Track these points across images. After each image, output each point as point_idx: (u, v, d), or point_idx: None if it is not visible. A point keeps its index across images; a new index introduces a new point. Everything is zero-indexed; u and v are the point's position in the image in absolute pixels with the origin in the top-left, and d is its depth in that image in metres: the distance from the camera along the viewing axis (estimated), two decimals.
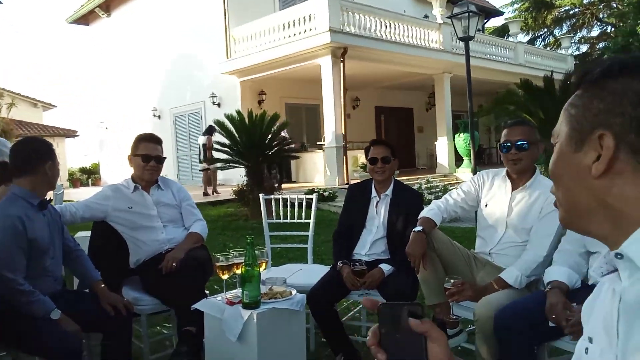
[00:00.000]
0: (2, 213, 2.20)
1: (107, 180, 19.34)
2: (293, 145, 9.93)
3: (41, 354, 2.26)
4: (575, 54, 25.41)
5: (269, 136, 8.42)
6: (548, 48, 26.20)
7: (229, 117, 8.34)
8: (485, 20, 22.12)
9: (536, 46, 25.04)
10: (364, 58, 12.06)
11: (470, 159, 12.62)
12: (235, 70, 13.44)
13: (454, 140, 14.01)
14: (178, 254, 2.75)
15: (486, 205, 2.63)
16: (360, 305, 3.37)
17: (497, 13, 23.90)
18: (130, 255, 2.95)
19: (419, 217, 2.62)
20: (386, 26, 12.38)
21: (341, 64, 11.50)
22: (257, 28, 12.93)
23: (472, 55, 7.97)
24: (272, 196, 3.76)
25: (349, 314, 3.45)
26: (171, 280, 2.67)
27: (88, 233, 3.16)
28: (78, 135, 25.29)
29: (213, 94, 14.33)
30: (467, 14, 7.60)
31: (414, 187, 6.43)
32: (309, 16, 11.60)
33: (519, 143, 2.44)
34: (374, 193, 3.03)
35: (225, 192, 11.32)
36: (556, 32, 29.32)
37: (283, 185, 11.07)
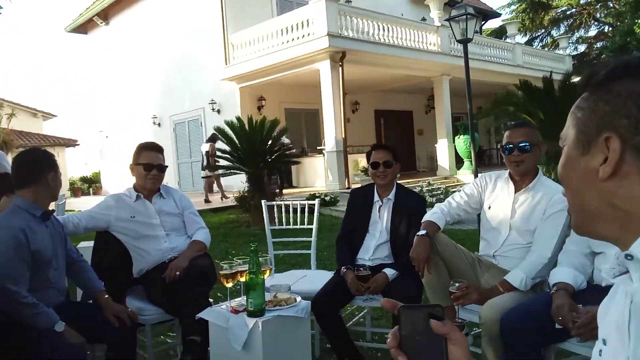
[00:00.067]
0: (5, 225, 2.20)
1: (108, 189, 19.36)
2: (294, 151, 9.93)
3: None
4: (573, 54, 25.47)
5: (270, 142, 8.42)
6: (546, 49, 26.24)
7: (229, 124, 8.35)
8: (483, 22, 22.17)
9: (534, 47, 25.08)
10: (363, 62, 12.08)
11: (470, 161, 12.64)
12: (234, 76, 13.46)
13: (454, 142, 14.01)
14: (181, 262, 2.74)
15: (489, 208, 2.63)
16: (365, 311, 3.36)
17: (495, 15, 23.95)
18: (134, 265, 2.94)
19: (422, 221, 2.62)
20: (384, 30, 12.40)
21: (340, 68, 11.51)
22: (255, 34, 12.96)
23: (471, 57, 7.98)
24: (274, 202, 3.75)
25: (354, 320, 3.44)
26: (175, 289, 2.66)
27: (91, 243, 3.15)
28: (78, 145, 25.29)
29: (212, 100, 14.35)
30: (465, 17, 7.61)
31: (415, 190, 6.43)
32: (307, 21, 11.63)
33: (521, 145, 2.43)
34: (376, 197, 3.03)
35: (227, 199, 11.33)
36: (554, 32, 29.36)
37: (284, 191, 11.08)
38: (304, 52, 11.56)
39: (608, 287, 2.14)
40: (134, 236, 2.91)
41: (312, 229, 3.57)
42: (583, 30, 29.74)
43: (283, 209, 3.66)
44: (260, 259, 2.27)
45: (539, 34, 29.81)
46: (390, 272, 2.76)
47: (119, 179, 17.16)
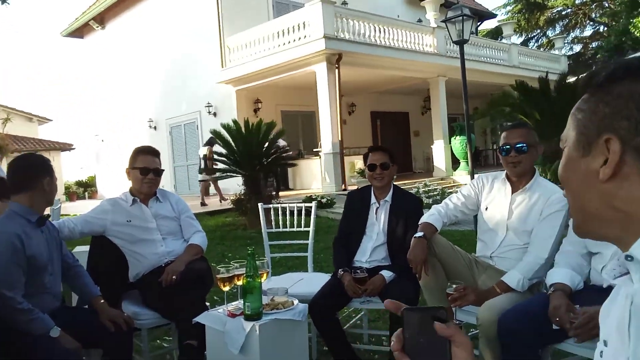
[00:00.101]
0: (0, 230, 2.18)
1: (104, 193, 19.32)
2: (290, 153, 9.92)
3: None
4: (568, 54, 25.56)
5: (266, 144, 8.41)
6: (541, 49, 26.31)
7: (226, 127, 8.34)
8: (479, 23, 22.20)
9: (530, 47, 25.15)
10: (359, 64, 12.10)
11: (467, 162, 12.66)
12: (231, 79, 13.46)
13: (450, 143, 14.03)
14: (178, 266, 2.73)
15: (486, 209, 2.63)
16: (362, 313, 3.35)
17: (490, 15, 24.00)
18: (130, 269, 2.92)
19: (419, 223, 2.62)
20: (380, 31, 12.42)
21: (336, 70, 11.53)
22: (251, 37, 12.96)
23: (467, 58, 8.00)
24: (271, 205, 3.74)
25: (351, 322, 3.43)
26: (171, 293, 2.65)
27: (86, 248, 3.14)
28: (74, 149, 25.23)
29: (209, 103, 14.34)
30: (461, 18, 7.62)
31: (411, 191, 6.43)
32: (303, 23, 11.64)
33: (518, 145, 2.44)
34: (373, 199, 3.03)
35: (225, 202, 11.30)
36: (549, 33, 29.49)
37: (280, 193, 11.07)
38: (300, 54, 11.57)
39: (605, 288, 2.15)
40: (130, 240, 2.90)
41: (308, 231, 3.56)
42: (578, 30, 29.88)
43: (280, 212, 3.66)
44: (257, 262, 2.26)
45: (534, 34, 29.93)
46: (387, 274, 2.75)
47: (115, 183, 17.13)
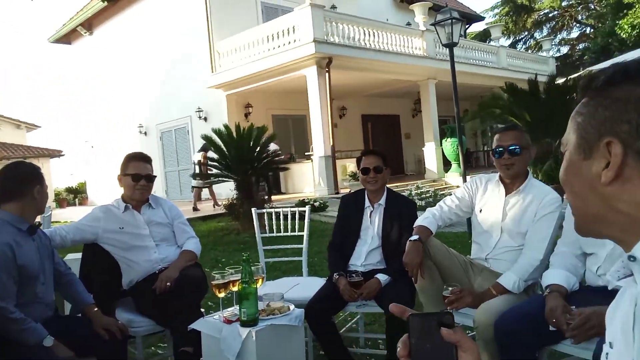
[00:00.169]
0: None
1: (94, 199, 19.18)
2: (282, 157, 9.91)
3: None
4: (556, 56, 25.82)
5: (258, 149, 8.40)
6: (529, 51, 26.57)
7: (217, 132, 8.32)
8: (467, 26, 22.38)
9: (518, 49, 25.37)
10: (349, 67, 12.13)
11: (458, 163, 12.72)
12: (221, 84, 13.43)
13: (441, 145, 14.08)
14: (172, 273, 2.71)
15: (480, 211, 2.63)
16: (358, 316, 3.34)
17: (478, 18, 24.18)
18: (123, 277, 2.90)
19: (414, 226, 2.62)
20: (370, 35, 12.47)
21: (326, 74, 11.54)
22: (241, 41, 12.95)
23: (456, 61, 8.04)
24: (264, 210, 3.73)
25: (347, 326, 3.42)
26: (166, 300, 2.63)
27: (78, 255, 3.10)
28: (63, 155, 25.02)
29: (199, 108, 14.30)
30: (450, 21, 7.66)
31: (404, 193, 6.44)
32: (293, 28, 11.65)
33: (511, 148, 2.45)
34: (367, 203, 3.02)
35: (218, 207, 11.24)
36: (537, 35, 29.79)
37: (273, 197, 11.04)
38: (290, 58, 11.58)
39: (600, 288, 2.15)
40: (123, 247, 2.88)
41: (301, 235, 3.55)
42: (565, 32, 30.23)
43: (273, 216, 3.64)
44: (252, 267, 2.25)
45: (522, 36, 30.22)
46: (382, 277, 2.75)
47: (105, 189, 17.02)
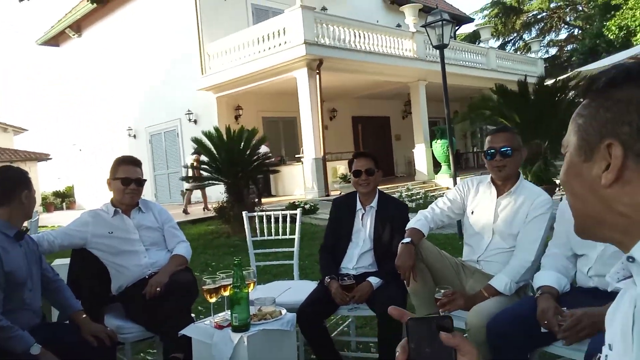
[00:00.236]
0: None
1: (82, 203, 19.03)
2: (272, 159, 9.89)
3: None
4: (545, 57, 26.02)
5: (248, 151, 8.37)
6: (518, 52, 26.76)
7: (207, 134, 8.27)
8: (457, 28, 22.48)
9: (507, 51, 25.54)
10: (340, 69, 12.13)
11: (448, 165, 12.75)
12: (211, 86, 13.38)
13: (431, 146, 14.12)
14: (162, 278, 2.68)
15: (472, 213, 2.63)
16: (349, 320, 3.33)
17: (468, 20, 24.31)
18: (112, 282, 2.86)
19: (406, 229, 2.61)
20: (360, 37, 12.48)
21: (317, 75, 11.53)
22: (231, 43, 12.91)
23: (446, 62, 8.06)
24: (255, 213, 3.70)
25: (338, 329, 3.41)
26: (156, 305, 2.59)
27: (66, 260, 3.06)
28: (50, 159, 24.80)
29: (189, 111, 14.23)
30: (440, 23, 7.69)
31: (394, 195, 6.44)
32: (283, 29, 11.64)
33: (503, 149, 2.45)
34: (359, 206, 3.01)
35: (209, 211, 11.19)
36: (525, 36, 30.03)
37: (263, 200, 11.00)
38: (280, 60, 11.56)
39: (591, 289, 2.16)
40: (112, 252, 2.84)
41: (292, 238, 3.53)
42: (554, 33, 30.50)
43: (265, 219, 3.62)
44: (243, 272, 2.23)
45: (511, 38, 30.44)
46: (374, 280, 2.74)
47: (94, 193, 16.89)
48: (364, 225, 2.98)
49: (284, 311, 2.37)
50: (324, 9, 14.51)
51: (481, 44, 18.35)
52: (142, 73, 15.70)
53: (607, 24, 21.23)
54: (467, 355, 0.72)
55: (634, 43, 18.94)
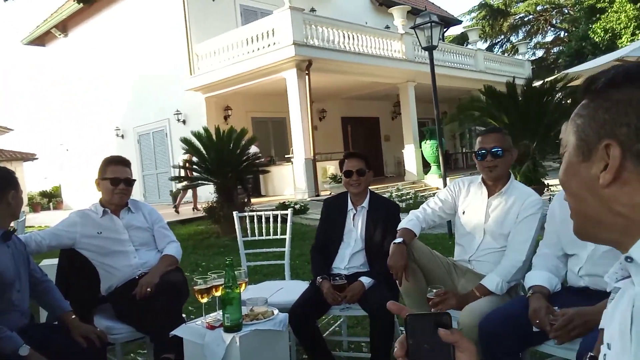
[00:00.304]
0: None
1: (70, 203, 18.85)
2: (262, 160, 9.86)
3: None
4: (532, 59, 26.27)
5: (238, 152, 8.34)
6: (506, 54, 26.97)
7: (196, 135, 8.23)
8: (445, 29, 22.60)
9: (494, 53, 25.73)
10: (329, 70, 12.13)
11: (437, 165, 12.81)
12: (200, 86, 13.32)
13: (420, 147, 14.18)
14: (152, 278, 2.66)
15: (463, 213, 2.64)
16: (341, 320, 3.33)
17: (456, 22, 24.46)
18: (102, 282, 2.83)
19: (397, 229, 2.61)
20: (349, 38, 12.50)
21: (306, 76, 11.53)
22: (220, 44, 12.86)
23: (435, 64, 8.11)
24: (245, 213, 3.69)
25: (330, 329, 3.40)
26: (146, 306, 2.57)
27: (55, 261, 3.03)
28: (37, 159, 24.52)
29: (178, 111, 14.15)
30: (429, 24, 7.72)
31: (384, 195, 6.45)
32: (272, 30, 11.62)
33: (493, 150, 2.46)
34: (350, 206, 3.01)
35: (198, 211, 11.12)
36: (512, 38, 30.29)
37: (253, 200, 10.96)
38: (269, 61, 11.53)
39: (581, 289, 2.17)
40: (101, 252, 2.81)
41: (283, 239, 3.52)
42: (540, 36, 30.80)
43: (255, 219, 3.60)
44: (235, 272, 2.22)
45: (498, 40, 30.67)
46: (366, 280, 2.74)
47: (81, 193, 16.73)
48: (356, 226, 2.98)
49: (276, 311, 2.36)
50: (312, 10, 14.51)
51: (469, 46, 18.46)
52: (129, 73, 15.58)
53: (593, 26, 21.46)
54: (465, 352, 0.72)
55: (619, 45, 19.16)
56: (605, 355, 0.73)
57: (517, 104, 7.85)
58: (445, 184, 7.11)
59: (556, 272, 2.22)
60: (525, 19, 30.17)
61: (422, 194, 11.53)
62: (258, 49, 11.90)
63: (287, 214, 3.54)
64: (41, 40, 19.34)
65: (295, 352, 3.02)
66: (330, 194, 10.10)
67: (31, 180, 25.10)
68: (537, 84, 8.35)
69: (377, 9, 18.95)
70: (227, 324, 2.16)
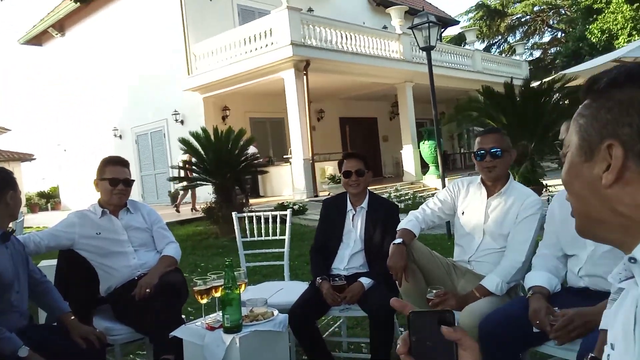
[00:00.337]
0: None
1: (67, 204, 18.80)
2: (260, 160, 9.85)
3: None
4: (529, 59, 26.30)
5: (236, 152, 8.33)
6: (503, 55, 27.01)
7: (194, 135, 8.22)
8: (442, 30, 22.63)
9: (492, 53, 25.77)
10: (327, 70, 12.13)
11: (436, 166, 12.82)
12: (198, 86, 13.30)
13: (419, 147, 14.19)
14: (151, 279, 2.65)
15: (463, 213, 2.64)
16: (341, 320, 3.32)
17: (453, 22, 24.50)
18: (101, 283, 2.82)
19: (397, 229, 2.61)
20: (347, 38, 12.50)
21: (304, 76, 11.53)
22: (217, 44, 12.85)
23: (433, 64, 8.11)
24: (244, 214, 3.68)
25: (329, 330, 3.40)
26: (145, 307, 2.56)
27: (53, 262, 3.02)
28: (34, 159, 24.44)
29: (176, 111, 14.13)
30: (427, 25, 7.72)
31: (383, 196, 6.45)
32: (270, 30, 11.61)
33: (492, 150, 2.47)
34: (349, 206, 3.01)
35: (197, 212, 11.10)
36: (510, 39, 30.34)
37: (251, 201, 10.96)
38: (267, 61, 11.53)
39: (581, 289, 2.17)
40: (100, 253, 2.81)
41: (282, 239, 3.52)
42: (537, 36, 30.85)
43: (254, 220, 3.60)
44: (234, 272, 2.21)
45: (496, 40, 30.72)
46: (366, 281, 2.73)
47: (79, 193, 16.70)
48: (355, 226, 2.97)
49: (276, 312, 2.36)
50: (310, 10, 14.51)
51: (467, 46, 18.49)
52: (127, 73, 15.56)
53: (590, 27, 21.51)
54: (467, 349, 0.72)
55: (616, 46, 19.22)
56: (608, 355, 0.73)
57: (515, 104, 7.87)
58: (443, 185, 7.10)
59: (556, 272, 2.22)
60: (523, 20, 30.23)
61: (420, 195, 11.54)
62: (256, 49, 11.89)
63: (286, 215, 3.53)
64: (38, 39, 19.30)
65: (295, 352, 3.02)
66: (329, 194, 10.10)
67: (29, 180, 25.04)
68: (534, 84, 8.37)
69: (374, 9, 18.97)
70: (227, 324, 2.16)
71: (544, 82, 8.13)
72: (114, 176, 2.86)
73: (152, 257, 2.89)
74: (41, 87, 20.72)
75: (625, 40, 19.62)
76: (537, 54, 31.06)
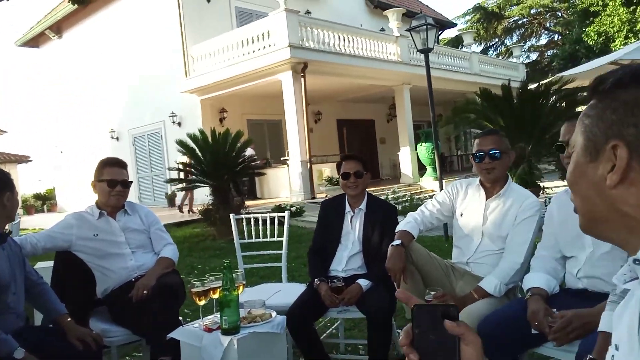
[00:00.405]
0: None
1: (64, 205, 18.75)
2: (258, 162, 9.85)
3: None
4: (526, 62, 26.37)
5: (234, 154, 8.32)
6: (500, 57, 27.07)
7: (192, 137, 8.22)
8: (440, 32, 22.67)
9: (489, 56, 25.83)
10: (325, 72, 12.14)
11: (433, 168, 12.84)
12: (195, 88, 13.29)
13: (416, 150, 14.20)
14: (149, 281, 2.64)
15: (461, 215, 2.64)
16: (338, 322, 3.32)
17: (451, 25, 24.55)
18: (98, 285, 2.81)
19: (396, 231, 2.61)
20: (344, 40, 12.51)
21: (302, 79, 11.53)
22: (215, 46, 12.85)
23: (430, 67, 8.12)
24: (242, 216, 3.68)
25: (327, 332, 3.39)
26: (142, 308, 2.55)
27: (50, 263, 3.01)
28: (30, 161, 24.38)
29: (173, 113, 14.11)
30: (425, 27, 7.74)
31: (381, 198, 6.44)
32: (268, 32, 11.61)
33: (491, 152, 2.47)
34: (347, 208, 3.00)
35: (194, 213, 11.10)
36: (507, 41, 30.44)
37: (248, 203, 10.95)
38: (265, 63, 11.53)
39: (580, 291, 2.17)
40: (97, 255, 2.80)
41: (279, 241, 3.51)
42: (534, 39, 30.97)
43: (252, 221, 3.59)
44: (232, 274, 2.21)
45: (493, 43, 30.83)
46: (364, 282, 2.73)
47: (76, 195, 16.66)
48: (353, 228, 2.97)
49: (273, 314, 2.35)
50: (307, 12, 14.52)
51: (464, 49, 18.53)
52: (124, 75, 15.54)
53: (586, 30, 21.57)
54: (470, 344, 0.72)
55: (613, 49, 19.27)
56: (613, 356, 0.73)
57: (512, 106, 7.89)
58: (441, 187, 7.12)
59: (554, 274, 2.22)
60: (520, 22, 30.35)
61: (417, 197, 11.55)
62: (253, 51, 11.89)
63: (283, 216, 3.53)
64: (35, 41, 19.26)
65: (292, 354, 3.01)
66: (326, 196, 10.10)
67: (25, 182, 24.92)
68: (532, 86, 8.39)
69: (372, 11, 18.99)
70: (225, 326, 2.15)
71: (541, 84, 8.16)
72: (112, 177, 2.85)
73: (149, 258, 2.88)
74: (38, 89, 20.65)
75: (622, 42, 19.68)
76: (534, 56, 31.20)
